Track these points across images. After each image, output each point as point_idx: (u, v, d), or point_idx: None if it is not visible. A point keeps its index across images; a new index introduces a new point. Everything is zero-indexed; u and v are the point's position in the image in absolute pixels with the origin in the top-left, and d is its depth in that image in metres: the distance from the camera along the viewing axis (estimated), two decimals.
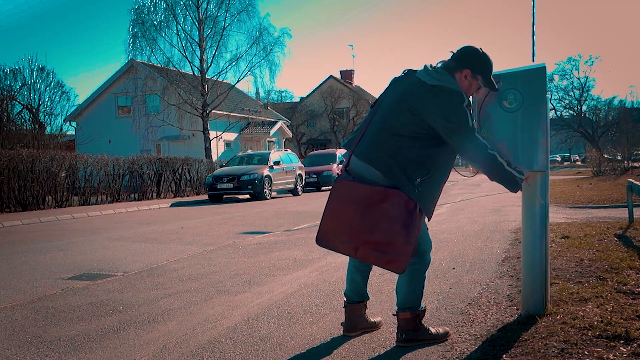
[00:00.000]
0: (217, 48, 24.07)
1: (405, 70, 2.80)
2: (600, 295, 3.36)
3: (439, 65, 2.74)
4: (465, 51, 2.75)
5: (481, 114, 3.04)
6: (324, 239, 2.75)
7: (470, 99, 2.84)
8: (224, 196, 17.23)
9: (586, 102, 46.92)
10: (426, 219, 2.76)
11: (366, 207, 2.60)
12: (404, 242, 2.57)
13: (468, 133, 2.60)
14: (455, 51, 2.77)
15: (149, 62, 24.05)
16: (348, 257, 3.05)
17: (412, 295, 2.83)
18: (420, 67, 2.78)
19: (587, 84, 45.91)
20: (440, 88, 2.61)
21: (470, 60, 2.73)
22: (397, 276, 2.84)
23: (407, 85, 2.71)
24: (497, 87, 2.85)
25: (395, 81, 2.81)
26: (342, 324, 3.05)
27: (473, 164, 2.78)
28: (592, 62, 49.91)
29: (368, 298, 3.07)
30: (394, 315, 2.93)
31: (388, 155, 2.62)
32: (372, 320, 3.07)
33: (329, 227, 2.72)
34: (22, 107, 25.06)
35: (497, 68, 2.89)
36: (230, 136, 29.01)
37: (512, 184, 2.78)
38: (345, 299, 3.04)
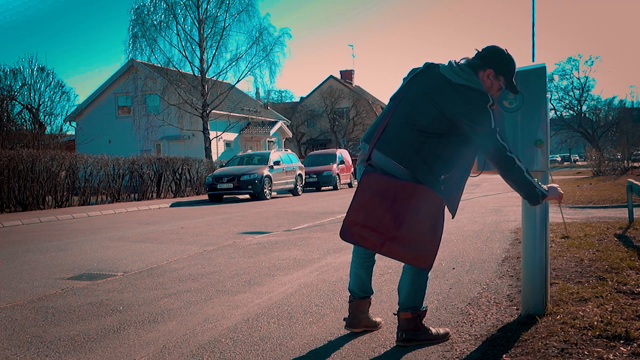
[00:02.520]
0: (217, 48, 24.10)
1: (426, 63, 2.77)
2: (600, 295, 3.36)
3: (462, 62, 2.72)
4: (490, 50, 2.73)
5: None
6: (348, 233, 2.69)
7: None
8: (224, 196, 17.23)
9: (586, 102, 47.01)
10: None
11: (395, 202, 2.58)
12: (432, 238, 2.59)
13: (490, 133, 2.59)
14: (480, 50, 2.75)
15: (149, 62, 24.06)
16: (350, 254, 3.06)
17: (414, 295, 2.83)
18: (421, 66, 2.77)
19: (587, 84, 46.02)
20: (466, 88, 2.61)
21: (495, 60, 2.71)
22: (398, 276, 2.84)
23: (430, 80, 2.68)
24: (518, 89, 2.82)
25: (416, 74, 2.76)
26: (344, 319, 3.05)
27: (492, 164, 2.72)
28: (592, 62, 50.14)
29: (372, 292, 3.07)
30: (394, 314, 2.94)
31: (413, 150, 2.61)
32: (373, 319, 3.07)
33: (355, 221, 2.66)
34: (22, 107, 25.10)
35: None
36: (230, 136, 29.01)
37: (532, 195, 2.68)
38: (350, 295, 3.04)
